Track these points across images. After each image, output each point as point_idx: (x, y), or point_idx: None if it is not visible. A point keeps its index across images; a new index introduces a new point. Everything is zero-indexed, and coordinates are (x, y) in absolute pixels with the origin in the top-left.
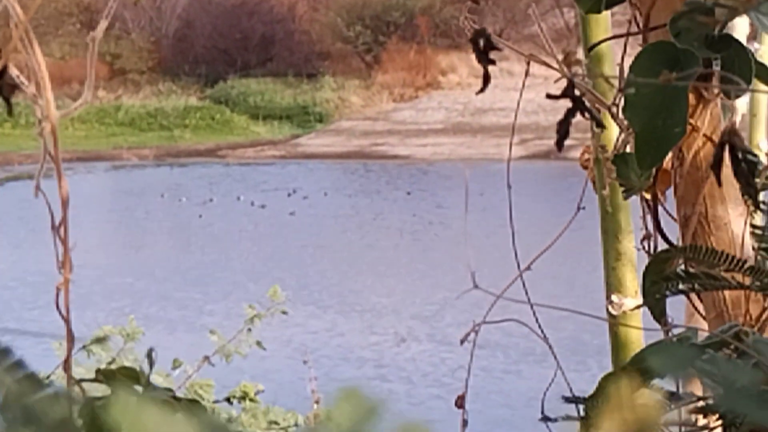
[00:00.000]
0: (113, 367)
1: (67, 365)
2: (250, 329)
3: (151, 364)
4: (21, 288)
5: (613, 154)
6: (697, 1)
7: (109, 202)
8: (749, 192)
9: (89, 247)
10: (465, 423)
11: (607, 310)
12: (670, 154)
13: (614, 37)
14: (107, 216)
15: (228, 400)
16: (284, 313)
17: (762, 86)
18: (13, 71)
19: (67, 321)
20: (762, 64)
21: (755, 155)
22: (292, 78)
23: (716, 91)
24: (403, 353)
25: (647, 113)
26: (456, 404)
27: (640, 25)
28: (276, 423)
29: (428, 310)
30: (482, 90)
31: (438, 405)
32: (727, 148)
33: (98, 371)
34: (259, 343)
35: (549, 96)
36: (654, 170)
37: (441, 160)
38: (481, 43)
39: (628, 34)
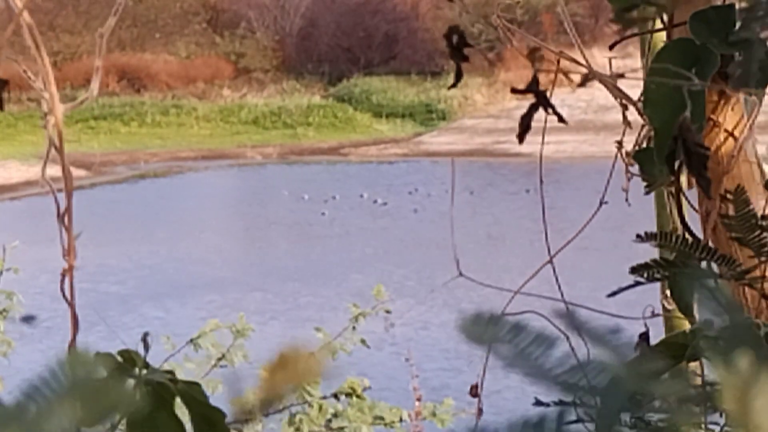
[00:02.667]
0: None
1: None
2: (354, 327)
3: (147, 347)
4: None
5: (634, 149)
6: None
7: (232, 199)
8: (701, 183)
9: (208, 242)
10: (480, 411)
11: (663, 304)
12: None
13: (640, 33)
14: (229, 213)
15: (335, 396)
16: (388, 312)
17: None
18: (21, 67)
19: (71, 305)
20: None
21: (707, 148)
22: (415, 76)
23: (735, 91)
24: None
25: (666, 110)
26: (471, 393)
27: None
28: (381, 418)
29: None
30: (454, 85)
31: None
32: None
33: (97, 354)
34: (363, 341)
35: (513, 90)
36: (676, 165)
37: (563, 158)
38: (455, 40)
39: (652, 31)
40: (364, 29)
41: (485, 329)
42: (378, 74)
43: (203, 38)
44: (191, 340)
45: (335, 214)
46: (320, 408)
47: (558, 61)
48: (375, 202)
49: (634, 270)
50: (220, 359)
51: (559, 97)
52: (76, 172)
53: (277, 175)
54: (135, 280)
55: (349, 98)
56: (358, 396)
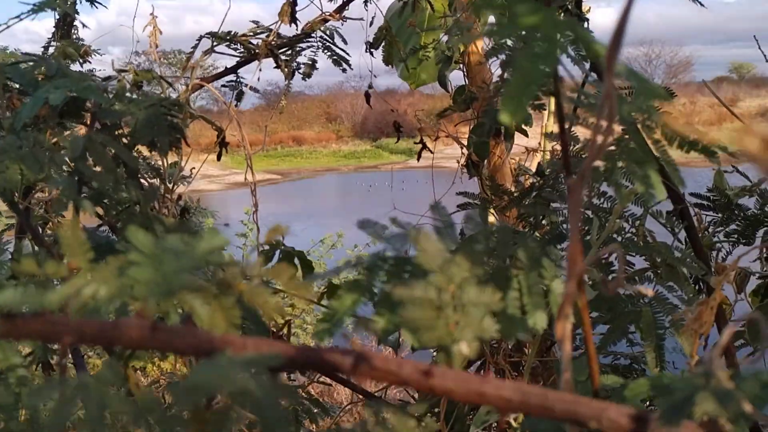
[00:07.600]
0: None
1: (259, 253)
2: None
3: (283, 237)
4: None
5: (463, 163)
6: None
7: (334, 186)
8: (478, 172)
9: (318, 201)
10: None
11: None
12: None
13: (468, 119)
14: (332, 190)
15: None
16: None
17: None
18: (233, 138)
19: (257, 223)
20: (523, 130)
21: (481, 163)
22: (406, 137)
23: (501, 139)
24: None
25: (476, 146)
26: None
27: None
28: None
29: None
30: (397, 140)
31: None
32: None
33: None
34: None
35: (416, 142)
36: (482, 167)
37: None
38: (397, 126)
39: (471, 119)
40: (385, 120)
41: (369, 226)
42: (392, 137)
43: (324, 124)
44: (321, 240)
45: (375, 190)
46: None
47: (437, 134)
48: (389, 186)
49: (462, 205)
50: (332, 246)
51: (455, 147)
52: (274, 176)
53: (354, 177)
54: (274, 217)
55: (380, 147)
56: None
